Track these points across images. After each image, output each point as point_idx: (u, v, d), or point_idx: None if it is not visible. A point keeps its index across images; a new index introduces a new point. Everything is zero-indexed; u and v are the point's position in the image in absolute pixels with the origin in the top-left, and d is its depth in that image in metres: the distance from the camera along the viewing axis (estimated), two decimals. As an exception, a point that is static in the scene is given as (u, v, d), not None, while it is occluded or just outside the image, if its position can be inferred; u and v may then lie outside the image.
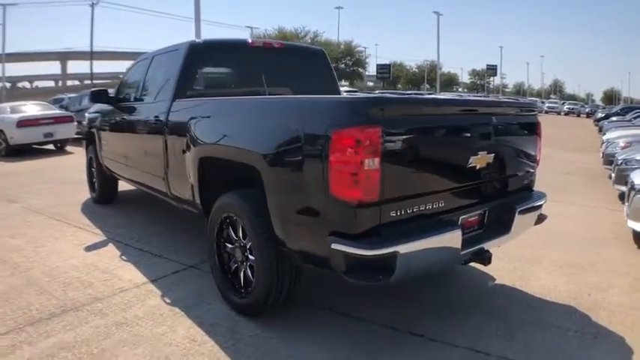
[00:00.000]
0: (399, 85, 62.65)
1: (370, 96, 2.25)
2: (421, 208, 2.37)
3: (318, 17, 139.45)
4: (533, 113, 3.25)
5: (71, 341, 2.62)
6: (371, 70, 56.22)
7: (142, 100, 4.44)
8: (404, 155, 2.26)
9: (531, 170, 3.25)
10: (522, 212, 2.94)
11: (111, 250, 4.17)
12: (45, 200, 6.11)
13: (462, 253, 2.52)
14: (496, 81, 70.57)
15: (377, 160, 2.09)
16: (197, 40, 4.00)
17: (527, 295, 3.33)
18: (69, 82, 47.87)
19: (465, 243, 2.58)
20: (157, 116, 3.84)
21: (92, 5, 36.95)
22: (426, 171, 2.42)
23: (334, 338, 2.69)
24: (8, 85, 49.63)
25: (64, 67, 56.00)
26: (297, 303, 3.02)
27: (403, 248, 2.17)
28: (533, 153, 3.22)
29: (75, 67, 56.21)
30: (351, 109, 2.14)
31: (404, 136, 2.24)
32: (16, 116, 11.22)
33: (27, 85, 57.51)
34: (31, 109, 12.06)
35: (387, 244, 2.14)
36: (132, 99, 4.70)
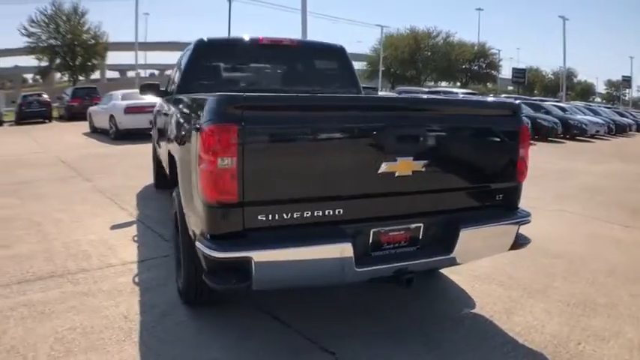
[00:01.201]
0: (536, 91, 57.27)
1: (230, 94, 2.14)
2: (305, 215, 2.18)
3: (457, 18, 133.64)
4: (510, 116, 2.72)
5: (35, 301, 3.05)
6: (505, 73, 52.84)
7: (171, 93, 4.88)
8: (274, 156, 2.13)
9: (508, 184, 2.74)
10: (472, 232, 2.51)
11: (131, 230, 4.68)
12: (114, 181, 7.05)
13: (361, 270, 2.26)
14: (633, 93, 61.50)
15: (234, 159, 2.01)
16: (203, 38, 4.25)
17: (497, 331, 2.85)
18: None
19: (375, 259, 2.35)
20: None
21: (229, 0, 40.69)
22: (309, 175, 2.21)
23: (246, 340, 2.67)
24: (157, 72, 57.59)
25: None
26: (242, 302, 3.04)
27: (260, 255, 2.06)
28: (510, 164, 2.72)
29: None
30: (211, 108, 2.09)
31: (272, 137, 2.12)
32: (125, 103, 12.40)
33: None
34: (141, 96, 13.73)
35: (238, 249, 2.06)
36: (169, 92, 5.20)
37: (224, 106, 2.05)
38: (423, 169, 2.35)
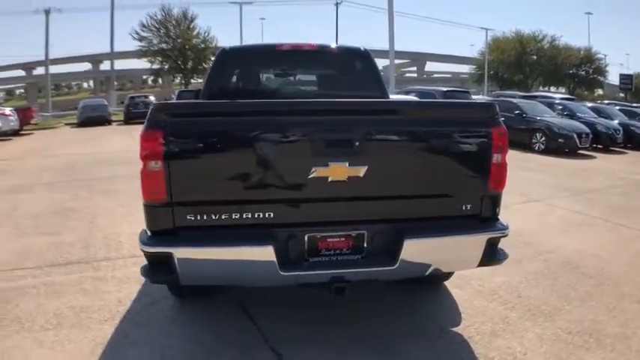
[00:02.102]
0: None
1: (163, 102, 2.27)
2: (234, 217, 2.24)
3: (565, 22, 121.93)
4: (480, 119, 2.48)
5: (55, 281, 3.52)
6: (613, 79, 47.41)
7: None
8: (199, 160, 2.22)
9: (477, 194, 2.50)
10: (419, 243, 2.35)
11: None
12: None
13: (287, 274, 2.24)
14: None
15: (159, 162, 2.15)
16: (225, 47, 4.48)
17: (467, 354, 2.61)
18: None
19: (312, 265, 2.33)
20: None
21: (336, 5, 41.51)
22: (237, 179, 2.25)
23: (209, 334, 2.80)
24: None
25: None
26: (231, 300, 3.16)
27: (180, 252, 2.19)
28: (479, 171, 2.46)
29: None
30: (148, 115, 2.24)
31: (197, 142, 2.21)
32: None
33: None
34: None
35: (161, 245, 2.22)
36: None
37: (154, 113, 2.21)
38: (363, 175, 2.26)
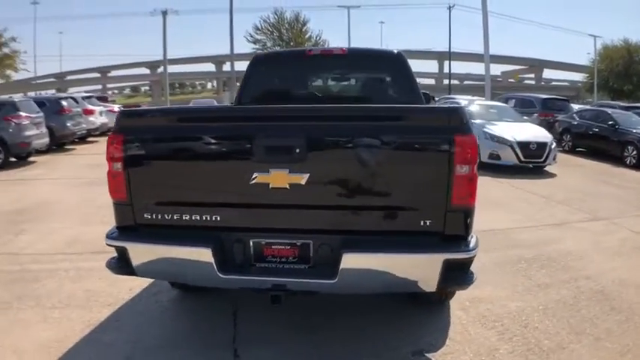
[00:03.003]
0: None
1: (128, 108, 2.42)
2: (184, 218, 2.35)
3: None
4: (441, 126, 2.23)
5: (87, 267, 3.94)
6: None
7: None
8: (153, 163, 2.37)
9: (438, 209, 2.24)
10: (361, 258, 2.21)
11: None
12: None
13: (226, 277, 2.27)
14: None
15: (119, 164, 2.34)
16: (259, 53, 4.65)
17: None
18: (445, 81, 54.31)
19: (258, 270, 2.35)
20: None
21: (449, 8, 40.79)
22: (186, 182, 2.36)
23: (190, 327, 2.98)
24: None
25: (440, 66, 64.15)
26: (228, 296, 3.26)
27: (132, 247, 2.36)
28: (438, 184, 2.22)
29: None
30: (115, 119, 2.46)
31: (149, 145, 2.37)
32: None
33: None
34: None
35: (117, 239, 2.41)
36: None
37: (118, 118, 2.43)
38: (305, 183, 2.21)
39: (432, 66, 64.28)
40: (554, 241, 4.73)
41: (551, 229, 5.23)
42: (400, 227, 2.29)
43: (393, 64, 4.49)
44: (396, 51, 4.60)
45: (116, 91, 76.50)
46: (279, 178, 2.22)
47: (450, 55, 43.41)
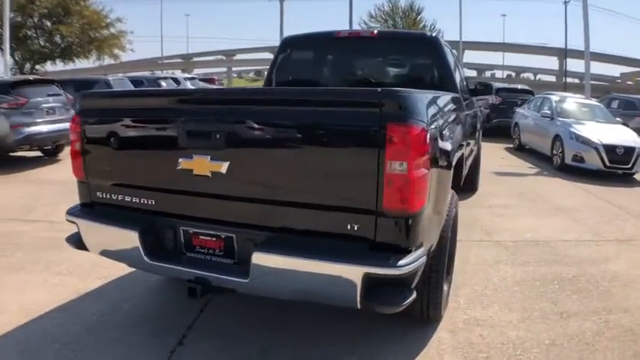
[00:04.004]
0: None
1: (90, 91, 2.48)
2: (128, 199, 2.39)
3: None
4: (370, 113, 1.90)
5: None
6: None
7: None
8: (100, 144, 2.44)
9: (368, 212, 1.92)
10: (270, 259, 2.00)
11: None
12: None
13: (152, 263, 2.26)
14: None
15: (79, 143, 2.46)
16: (288, 36, 4.55)
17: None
18: (569, 80, 50.99)
19: (188, 260, 2.29)
20: None
21: (565, 3, 38.40)
22: (126, 164, 2.41)
23: (161, 309, 3.06)
24: (513, 74, 58.54)
25: (561, 64, 59.24)
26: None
27: (80, 223, 2.46)
28: (365, 182, 1.90)
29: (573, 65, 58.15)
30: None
31: (97, 127, 2.46)
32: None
33: (530, 76, 64.57)
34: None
35: (71, 215, 2.51)
36: None
37: (80, 99, 2.56)
38: (225, 172, 2.07)
39: (552, 63, 58.36)
40: (604, 261, 3.96)
41: (610, 246, 4.39)
42: (325, 228, 2.02)
43: (426, 48, 4.17)
44: (429, 34, 4.26)
45: (240, 75, 79.37)
46: (201, 165, 2.13)
47: (565, 53, 40.38)
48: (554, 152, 8.86)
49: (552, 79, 56.23)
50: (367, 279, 1.88)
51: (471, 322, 2.90)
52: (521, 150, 11.00)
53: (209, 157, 2.10)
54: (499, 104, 13.65)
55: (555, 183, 7.62)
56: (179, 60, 67.79)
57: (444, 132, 2.44)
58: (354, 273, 1.88)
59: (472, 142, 4.84)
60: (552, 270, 3.75)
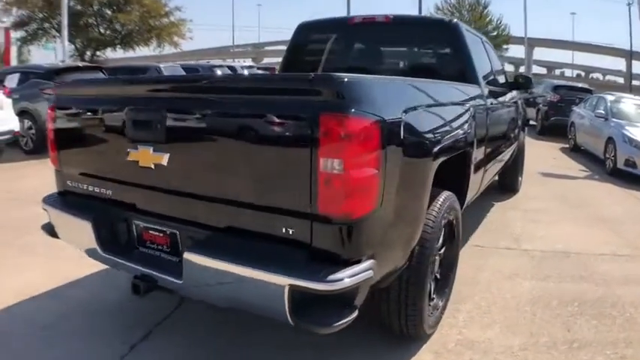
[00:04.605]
0: None
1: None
2: (90, 189, 2.36)
3: None
4: (299, 102, 1.70)
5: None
6: None
7: None
8: (67, 132, 2.45)
9: (302, 214, 1.68)
10: (201, 261, 1.81)
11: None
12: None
13: (106, 255, 2.21)
14: None
15: (52, 132, 2.47)
16: (304, 22, 4.35)
17: None
18: (635, 82, 45.83)
19: (139, 255, 2.20)
20: None
21: (628, 5, 35.57)
22: (87, 153, 2.38)
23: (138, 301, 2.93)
24: (582, 73, 56.12)
25: (628, 65, 55.75)
26: None
27: (50, 211, 2.46)
28: (294, 181, 1.69)
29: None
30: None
31: (65, 115, 2.44)
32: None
33: (600, 76, 61.34)
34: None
35: (44, 202, 2.51)
36: None
37: (56, 89, 2.58)
38: (166, 165, 1.96)
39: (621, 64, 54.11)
40: (637, 283, 3.44)
41: (649, 265, 3.83)
42: (263, 230, 1.80)
43: (445, 35, 3.86)
44: (448, 19, 3.92)
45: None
46: (144, 156, 2.04)
47: (631, 54, 38.70)
48: (607, 155, 8.08)
49: (621, 80, 52.26)
50: (295, 292, 1.63)
51: (464, 343, 2.58)
52: (576, 151, 10.19)
53: (152, 149, 2.01)
54: (557, 102, 12.89)
55: (604, 188, 6.93)
56: (249, 49, 69.00)
57: (424, 127, 2.15)
58: (278, 284, 1.64)
59: (504, 140, 4.45)
60: (576, 288, 3.31)
